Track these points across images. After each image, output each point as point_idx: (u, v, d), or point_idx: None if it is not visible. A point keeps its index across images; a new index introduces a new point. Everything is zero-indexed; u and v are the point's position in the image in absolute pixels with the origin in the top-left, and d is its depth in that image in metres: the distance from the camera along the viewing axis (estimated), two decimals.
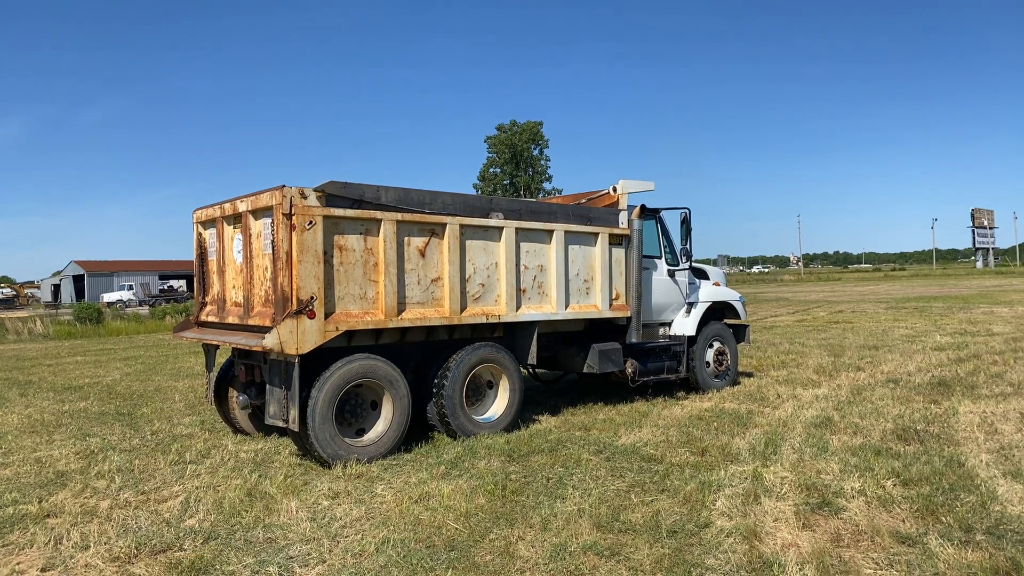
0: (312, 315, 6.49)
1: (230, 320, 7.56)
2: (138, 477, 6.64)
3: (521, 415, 8.40)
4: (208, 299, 8.15)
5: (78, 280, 75.71)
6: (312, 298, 6.49)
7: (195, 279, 8.32)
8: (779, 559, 4.46)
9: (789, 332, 19.06)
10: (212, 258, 8.00)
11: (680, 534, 4.93)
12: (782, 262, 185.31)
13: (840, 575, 4.26)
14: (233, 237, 7.51)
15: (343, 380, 6.80)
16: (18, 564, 4.69)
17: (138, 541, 4.94)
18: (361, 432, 7.18)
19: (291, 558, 4.68)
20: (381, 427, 7.15)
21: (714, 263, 14.35)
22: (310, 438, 6.61)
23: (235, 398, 7.97)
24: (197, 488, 6.20)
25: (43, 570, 4.60)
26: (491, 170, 74.46)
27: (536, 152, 74.80)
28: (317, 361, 6.73)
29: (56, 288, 79.90)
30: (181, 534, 5.10)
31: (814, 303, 33.35)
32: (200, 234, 8.18)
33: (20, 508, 5.75)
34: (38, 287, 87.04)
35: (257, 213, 6.98)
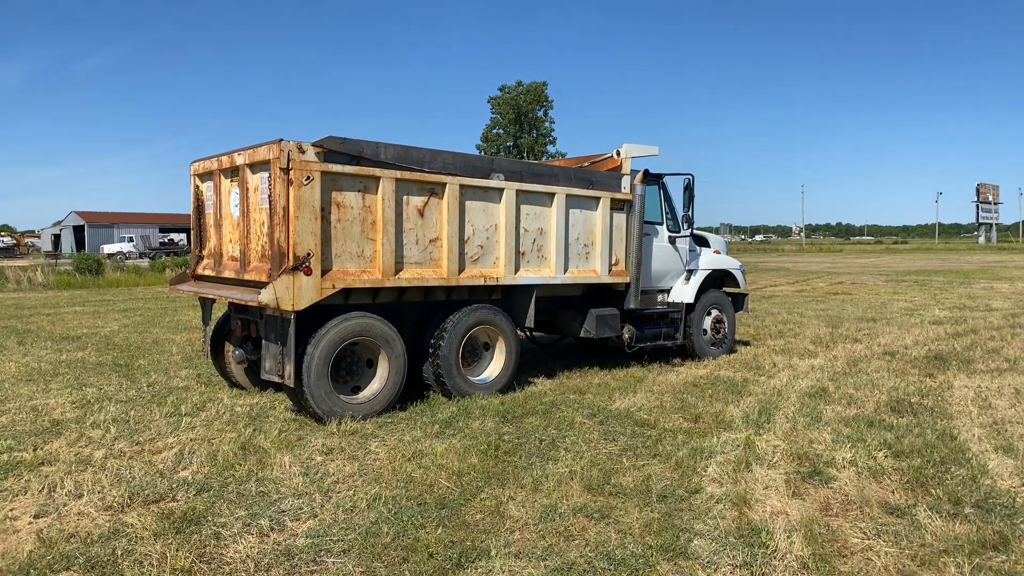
0: (309, 272, 6.44)
1: (227, 274, 7.52)
2: (133, 428, 6.67)
3: (517, 377, 8.41)
4: (205, 253, 8.10)
5: (78, 231, 75.51)
6: (309, 254, 6.44)
7: (192, 232, 8.26)
8: (767, 526, 4.49)
9: (788, 302, 19.05)
10: (209, 211, 7.92)
11: (670, 499, 4.96)
12: (784, 232, 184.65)
13: (828, 544, 4.29)
14: (230, 191, 7.42)
15: (339, 337, 6.79)
16: (11, 510, 4.73)
17: (131, 491, 4.98)
18: (356, 390, 7.19)
19: (283, 512, 4.72)
20: (376, 385, 7.16)
21: (716, 231, 14.27)
22: (305, 394, 6.62)
23: (231, 352, 7.97)
24: (191, 440, 6.23)
25: (36, 517, 4.63)
26: (494, 131, 73.57)
27: (540, 113, 73.85)
28: (313, 318, 6.70)
29: (56, 238, 79.74)
30: (174, 485, 5.13)
31: (814, 274, 33.31)
32: (197, 187, 8.09)
33: (15, 455, 5.78)
34: (38, 236, 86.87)
35: (254, 167, 6.88)
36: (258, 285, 6.70)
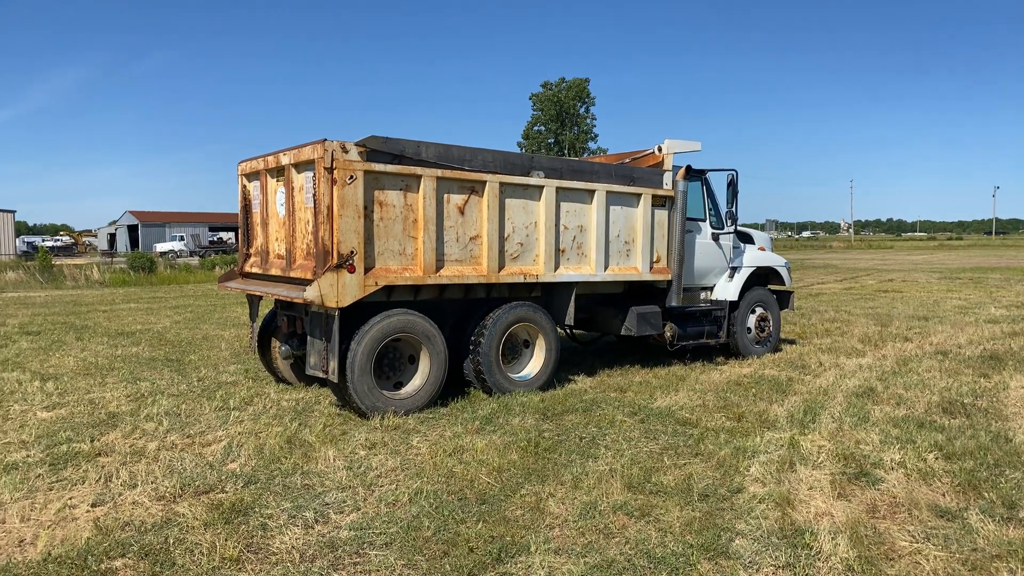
0: (352, 269, 6.56)
1: (273, 272, 7.69)
2: (184, 421, 6.88)
3: (557, 375, 8.42)
4: (252, 251, 8.29)
5: (132, 230, 77.88)
6: (352, 252, 6.55)
7: (239, 231, 8.47)
8: (812, 527, 4.41)
9: (836, 300, 18.63)
10: (256, 210, 8.11)
11: (712, 498, 4.91)
12: (832, 228, 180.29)
13: (874, 546, 4.21)
14: (276, 190, 7.58)
15: (382, 334, 6.89)
16: (70, 499, 4.93)
17: (183, 482, 5.14)
18: (399, 385, 7.29)
19: (327, 505, 4.81)
20: (418, 381, 7.25)
21: (762, 228, 14.02)
22: (349, 389, 6.74)
23: (278, 348, 8.15)
24: (239, 434, 6.40)
25: (93, 505, 4.81)
26: (535, 128, 73.44)
27: (582, 110, 73.46)
28: (357, 314, 6.82)
29: (112, 237, 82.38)
30: (223, 477, 5.28)
31: (863, 271, 32.49)
32: (244, 186, 8.29)
33: (73, 446, 6.02)
34: (95, 236, 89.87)
35: (299, 166, 7.02)
36: (303, 282, 6.84)
